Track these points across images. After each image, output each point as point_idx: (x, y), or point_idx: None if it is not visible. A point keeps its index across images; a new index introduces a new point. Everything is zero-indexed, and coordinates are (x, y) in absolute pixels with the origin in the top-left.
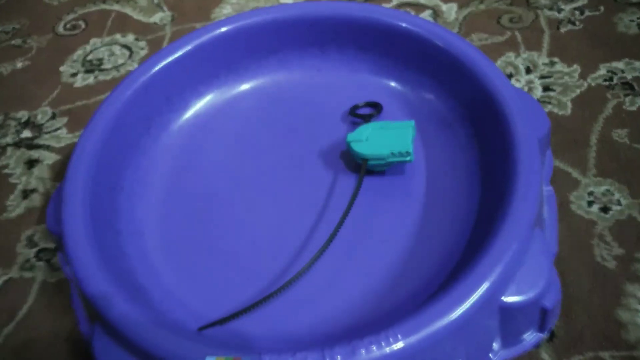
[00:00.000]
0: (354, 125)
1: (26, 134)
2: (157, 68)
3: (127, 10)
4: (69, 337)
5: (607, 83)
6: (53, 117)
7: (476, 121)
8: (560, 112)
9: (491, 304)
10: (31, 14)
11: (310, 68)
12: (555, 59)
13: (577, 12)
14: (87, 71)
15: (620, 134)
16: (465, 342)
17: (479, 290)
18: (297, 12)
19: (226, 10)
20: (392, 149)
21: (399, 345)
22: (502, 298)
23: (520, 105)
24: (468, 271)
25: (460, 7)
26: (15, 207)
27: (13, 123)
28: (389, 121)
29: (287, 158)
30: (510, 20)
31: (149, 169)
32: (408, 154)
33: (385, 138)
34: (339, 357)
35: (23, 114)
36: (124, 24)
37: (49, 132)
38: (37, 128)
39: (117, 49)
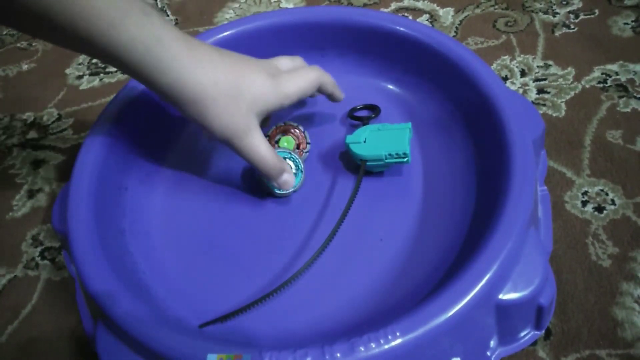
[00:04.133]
0: (353, 127)
1: (32, 134)
2: None
3: None
4: (73, 335)
5: (601, 85)
6: (59, 118)
7: (472, 123)
8: (555, 114)
9: (488, 302)
10: None
11: None
12: (550, 62)
13: (571, 16)
14: (93, 74)
15: (614, 135)
16: (462, 340)
17: (476, 288)
18: (297, 16)
19: (228, 14)
20: (389, 150)
21: (398, 342)
22: (499, 296)
23: (515, 108)
24: (465, 270)
25: (457, 11)
26: (21, 206)
27: (19, 124)
28: (387, 123)
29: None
30: (506, 24)
31: (152, 169)
32: (405, 155)
33: (383, 140)
34: (338, 354)
35: (29, 115)
36: None
37: (55, 133)
38: (43, 129)
39: None
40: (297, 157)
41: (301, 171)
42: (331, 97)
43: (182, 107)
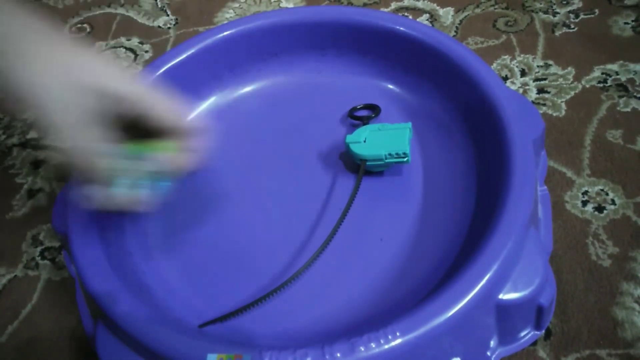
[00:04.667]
0: (353, 127)
1: (32, 134)
2: (161, 71)
3: (132, 14)
4: (73, 335)
5: (601, 85)
6: None
7: (472, 123)
8: (555, 114)
9: (488, 302)
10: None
11: (310, 71)
12: (550, 62)
13: (572, 15)
14: None
15: (614, 135)
16: (462, 340)
17: (476, 288)
18: (297, 16)
19: (229, 14)
20: (389, 150)
21: (398, 342)
22: (499, 296)
23: (515, 107)
24: (465, 269)
25: (457, 11)
26: (21, 206)
27: (19, 124)
28: (387, 123)
29: (287, 159)
30: (506, 23)
31: None
32: (405, 155)
33: (383, 139)
34: (338, 354)
35: (29, 115)
36: (128, 27)
37: None
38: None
39: (121, 52)
40: (140, 166)
41: (147, 185)
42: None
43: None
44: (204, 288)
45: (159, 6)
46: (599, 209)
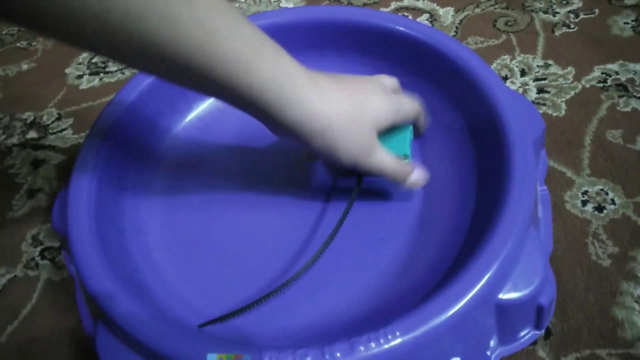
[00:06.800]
0: None
1: (32, 134)
2: None
3: None
4: (73, 335)
5: (601, 85)
6: (59, 118)
7: (472, 123)
8: (555, 114)
9: (488, 302)
10: None
11: None
12: (550, 62)
13: (571, 15)
14: (93, 73)
15: (614, 135)
16: (462, 339)
17: (476, 288)
18: (297, 16)
19: None
20: (390, 151)
21: (397, 342)
22: (499, 296)
23: (515, 107)
24: (465, 269)
25: (457, 11)
26: (21, 206)
27: (19, 124)
28: None
29: (287, 159)
30: (506, 23)
31: (152, 169)
32: (406, 157)
33: (383, 141)
34: (338, 353)
35: (29, 115)
36: None
37: (55, 133)
38: (43, 129)
39: None
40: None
41: None
42: (418, 129)
43: (309, 139)
44: (204, 288)
45: None
46: (599, 208)
